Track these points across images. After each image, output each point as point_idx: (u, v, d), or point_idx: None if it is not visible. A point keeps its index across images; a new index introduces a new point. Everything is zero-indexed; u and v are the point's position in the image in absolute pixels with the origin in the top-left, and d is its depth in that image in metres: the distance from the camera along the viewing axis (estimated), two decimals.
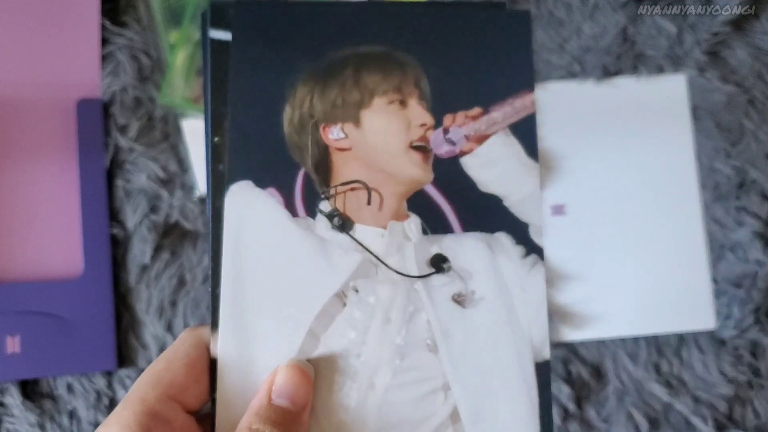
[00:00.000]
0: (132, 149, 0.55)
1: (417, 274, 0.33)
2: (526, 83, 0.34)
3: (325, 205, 0.33)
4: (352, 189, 0.33)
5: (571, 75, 0.60)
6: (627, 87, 0.60)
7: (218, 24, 0.33)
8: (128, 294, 0.55)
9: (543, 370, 0.33)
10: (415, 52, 0.34)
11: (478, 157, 0.33)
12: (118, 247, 0.55)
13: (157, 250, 0.55)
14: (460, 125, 0.33)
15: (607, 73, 0.60)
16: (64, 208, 0.54)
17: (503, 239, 0.33)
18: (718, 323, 0.58)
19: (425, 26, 0.34)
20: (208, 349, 0.32)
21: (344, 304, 0.32)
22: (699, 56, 0.60)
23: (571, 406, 0.56)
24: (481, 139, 0.33)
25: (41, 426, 0.53)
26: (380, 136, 0.33)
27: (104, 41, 0.56)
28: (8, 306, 0.52)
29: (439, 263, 0.33)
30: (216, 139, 0.32)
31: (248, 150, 0.32)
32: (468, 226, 0.33)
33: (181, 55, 0.54)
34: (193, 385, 0.31)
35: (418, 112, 0.34)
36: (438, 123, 0.34)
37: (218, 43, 0.33)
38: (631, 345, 0.58)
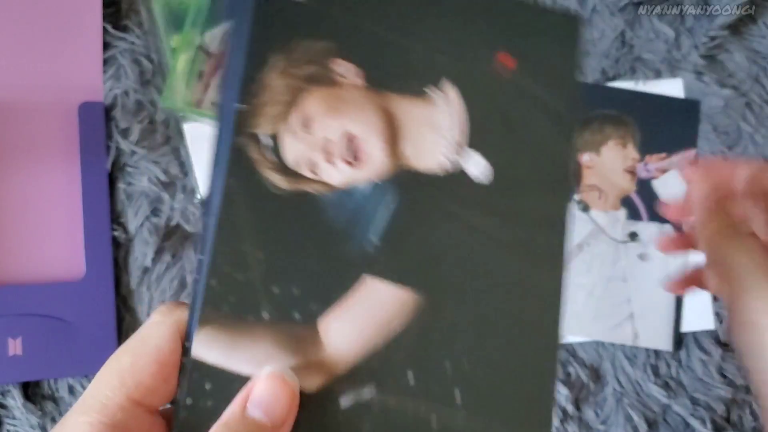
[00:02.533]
0: (134, 152, 0.55)
1: (620, 240, 0.59)
2: (691, 143, 0.59)
3: (577, 198, 0.59)
4: (591, 189, 0.59)
5: None
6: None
7: None
8: (130, 296, 0.55)
9: None
10: (633, 120, 0.59)
11: (662, 181, 0.59)
12: (119, 250, 0.55)
13: (159, 252, 0.55)
14: (654, 162, 0.59)
15: (606, 76, 0.60)
16: (66, 211, 0.54)
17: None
18: (717, 325, 0.58)
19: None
20: (182, 340, 0.27)
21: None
22: (696, 60, 0.60)
23: (570, 408, 0.57)
24: (664, 171, 0.59)
25: (42, 428, 0.53)
26: (610, 162, 0.59)
27: (106, 45, 0.57)
28: (10, 308, 0.52)
29: (634, 235, 0.58)
30: None
31: None
32: (650, 217, 0.58)
33: (182, 59, 0.54)
34: (161, 386, 0.26)
35: (632, 152, 0.59)
36: (641, 159, 0.59)
37: None
38: (630, 347, 0.58)
